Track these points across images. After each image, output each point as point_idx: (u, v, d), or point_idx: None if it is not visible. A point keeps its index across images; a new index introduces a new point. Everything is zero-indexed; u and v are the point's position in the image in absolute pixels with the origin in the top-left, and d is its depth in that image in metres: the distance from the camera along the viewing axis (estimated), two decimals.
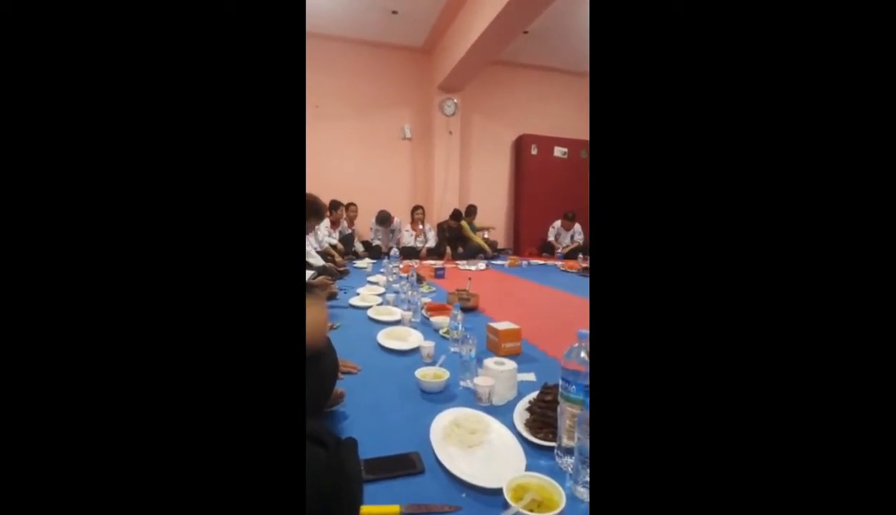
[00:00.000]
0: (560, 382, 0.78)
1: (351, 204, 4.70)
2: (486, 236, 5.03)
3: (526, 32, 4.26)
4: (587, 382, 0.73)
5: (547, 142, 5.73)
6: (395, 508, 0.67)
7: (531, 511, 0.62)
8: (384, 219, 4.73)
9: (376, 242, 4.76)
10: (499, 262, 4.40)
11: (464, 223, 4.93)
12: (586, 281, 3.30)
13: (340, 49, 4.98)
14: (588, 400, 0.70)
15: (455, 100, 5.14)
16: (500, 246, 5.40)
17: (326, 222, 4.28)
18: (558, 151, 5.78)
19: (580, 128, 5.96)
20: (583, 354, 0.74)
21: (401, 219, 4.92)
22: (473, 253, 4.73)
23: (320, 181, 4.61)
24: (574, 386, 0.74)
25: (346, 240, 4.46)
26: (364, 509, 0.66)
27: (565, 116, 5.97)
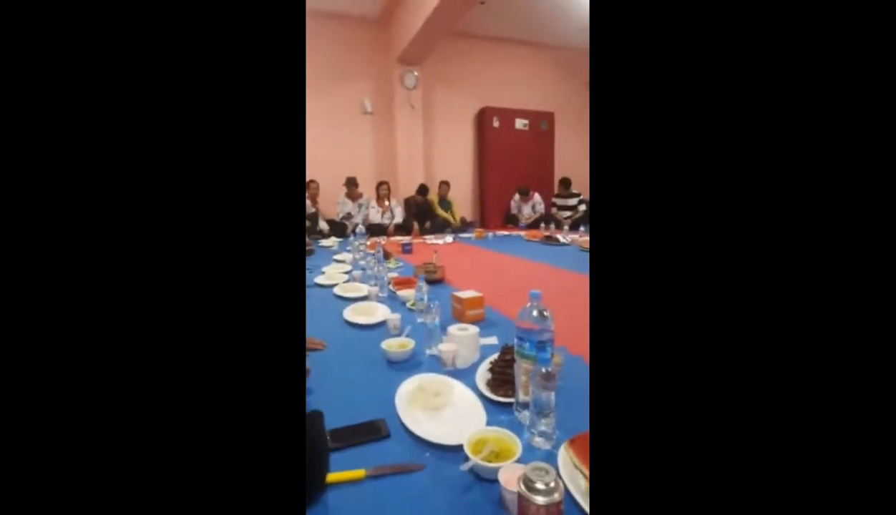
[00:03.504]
0: (515, 341, 0.81)
1: (312, 181, 4.55)
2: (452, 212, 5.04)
3: (482, 3, 4.16)
4: (539, 339, 0.77)
5: (508, 115, 5.73)
6: (361, 472, 0.69)
7: (489, 461, 0.66)
8: (351, 182, 4.65)
9: (346, 210, 4.67)
10: (466, 235, 4.43)
11: (431, 197, 4.90)
12: (549, 250, 3.40)
13: None
14: (542, 355, 0.74)
15: (415, 73, 5.01)
16: (467, 219, 5.43)
17: None
18: (519, 123, 5.80)
19: (539, 100, 5.99)
20: (535, 313, 0.77)
21: (367, 196, 4.83)
22: (441, 227, 4.74)
23: None
24: (527, 343, 0.78)
25: (311, 218, 4.35)
26: (331, 476, 0.68)
27: (524, 87, 5.97)
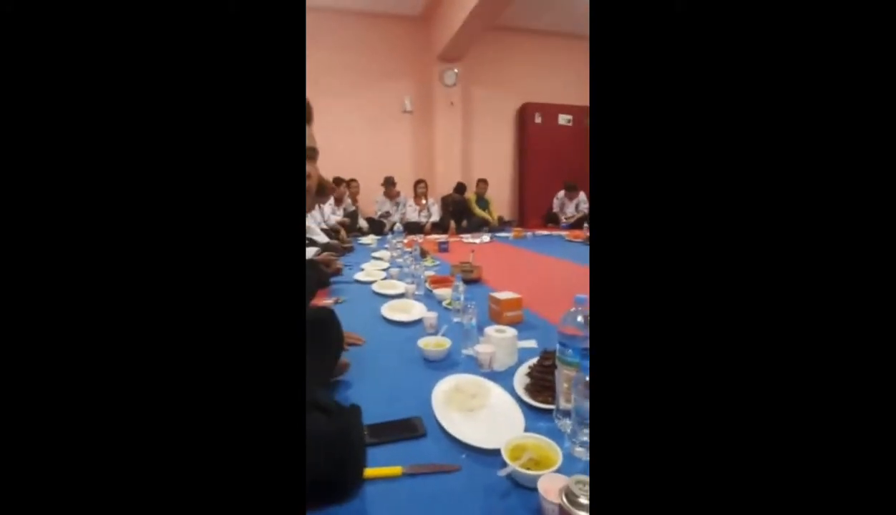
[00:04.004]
0: (557, 346, 0.79)
1: (353, 180, 4.67)
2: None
3: None
4: (583, 345, 0.74)
5: (551, 110, 5.59)
6: (398, 469, 0.70)
7: (528, 469, 0.64)
8: (388, 182, 4.74)
9: (384, 208, 4.77)
10: (503, 234, 4.38)
11: (469, 196, 4.88)
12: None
13: (336, 21, 4.84)
14: (585, 363, 0.71)
15: (455, 70, 5.01)
16: (505, 218, 5.37)
17: (330, 199, 4.27)
18: (562, 119, 5.65)
19: (584, 94, 5.79)
20: (579, 318, 0.74)
21: (405, 194, 4.90)
22: (478, 226, 4.71)
23: (321, 158, 4.58)
24: (570, 350, 0.75)
25: (351, 216, 4.47)
26: (368, 471, 0.69)
27: (568, 82, 5.80)
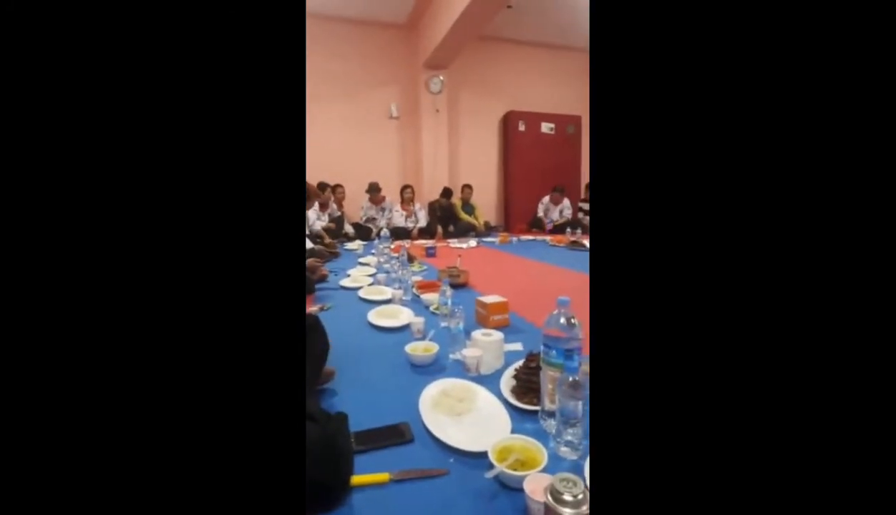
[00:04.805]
0: (542, 348, 0.80)
1: (338, 185, 4.64)
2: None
3: (510, 7, 4.16)
4: (566, 346, 0.75)
5: (534, 118, 5.68)
6: (385, 476, 0.69)
7: (514, 470, 0.65)
8: (373, 188, 4.72)
9: (369, 214, 4.75)
10: (490, 239, 4.41)
11: (455, 201, 4.91)
12: (574, 255, 3.34)
13: (323, 28, 4.82)
14: (568, 364, 0.73)
15: (441, 78, 5.05)
16: (492, 223, 5.42)
17: (315, 205, 4.24)
18: (545, 127, 5.74)
19: (566, 103, 5.91)
20: (562, 320, 0.76)
21: (391, 199, 4.89)
22: (465, 231, 4.74)
23: (307, 163, 4.55)
24: (554, 351, 0.76)
25: (337, 222, 4.44)
26: (355, 479, 0.68)
27: (551, 91, 5.91)
